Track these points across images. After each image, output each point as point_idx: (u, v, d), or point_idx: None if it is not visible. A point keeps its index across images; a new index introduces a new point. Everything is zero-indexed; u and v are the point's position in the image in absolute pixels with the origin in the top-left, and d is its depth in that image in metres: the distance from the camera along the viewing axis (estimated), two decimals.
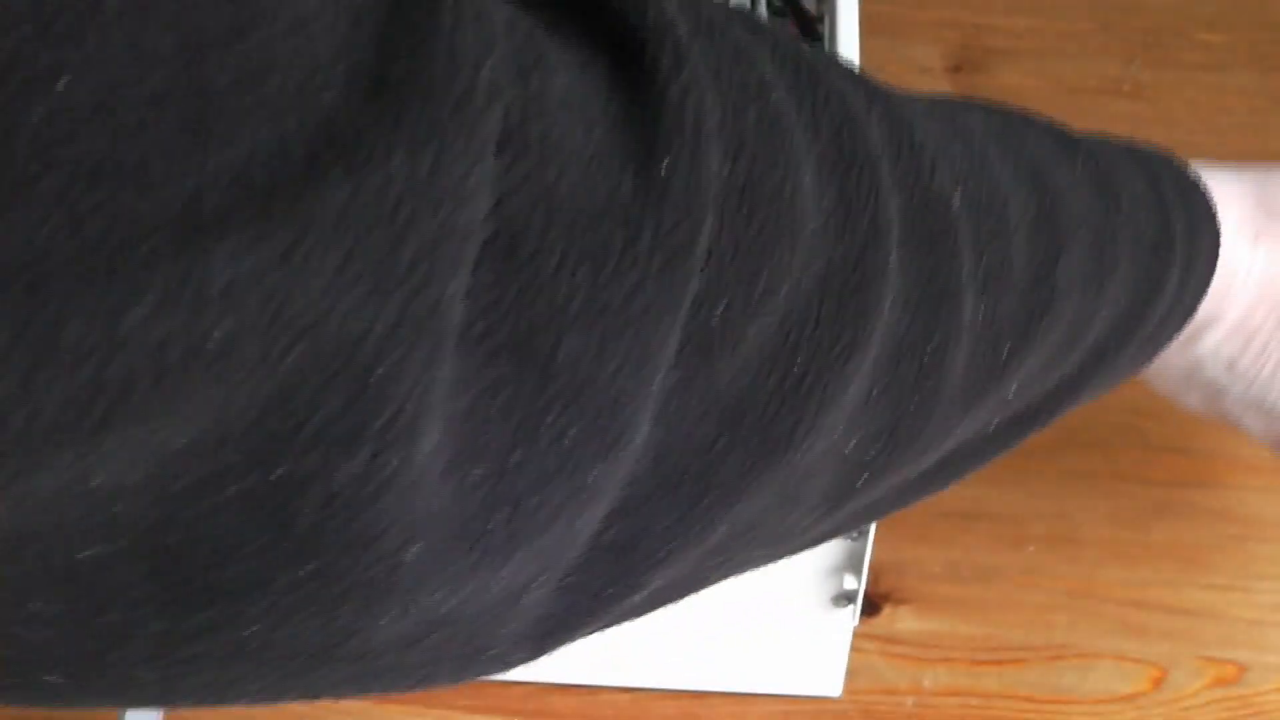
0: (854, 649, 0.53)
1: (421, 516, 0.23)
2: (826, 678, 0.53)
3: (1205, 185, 0.44)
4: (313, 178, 0.20)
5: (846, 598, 0.49)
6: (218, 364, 0.20)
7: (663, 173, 0.25)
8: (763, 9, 0.66)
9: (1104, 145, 0.42)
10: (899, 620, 0.57)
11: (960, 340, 0.32)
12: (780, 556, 0.34)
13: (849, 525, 0.36)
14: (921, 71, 0.75)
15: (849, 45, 0.55)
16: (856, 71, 0.34)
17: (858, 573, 0.47)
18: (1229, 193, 0.45)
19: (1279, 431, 0.48)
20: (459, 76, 0.22)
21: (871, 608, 0.56)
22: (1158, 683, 0.55)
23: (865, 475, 0.32)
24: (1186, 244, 0.42)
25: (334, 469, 0.22)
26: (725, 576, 0.32)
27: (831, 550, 0.46)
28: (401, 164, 0.21)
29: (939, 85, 0.75)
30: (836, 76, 0.31)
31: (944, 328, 0.32)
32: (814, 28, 0.58)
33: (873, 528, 0.45)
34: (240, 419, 0.21)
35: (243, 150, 0.19)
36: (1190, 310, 0.43)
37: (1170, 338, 0.43)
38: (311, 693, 0.27)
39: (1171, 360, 0.46)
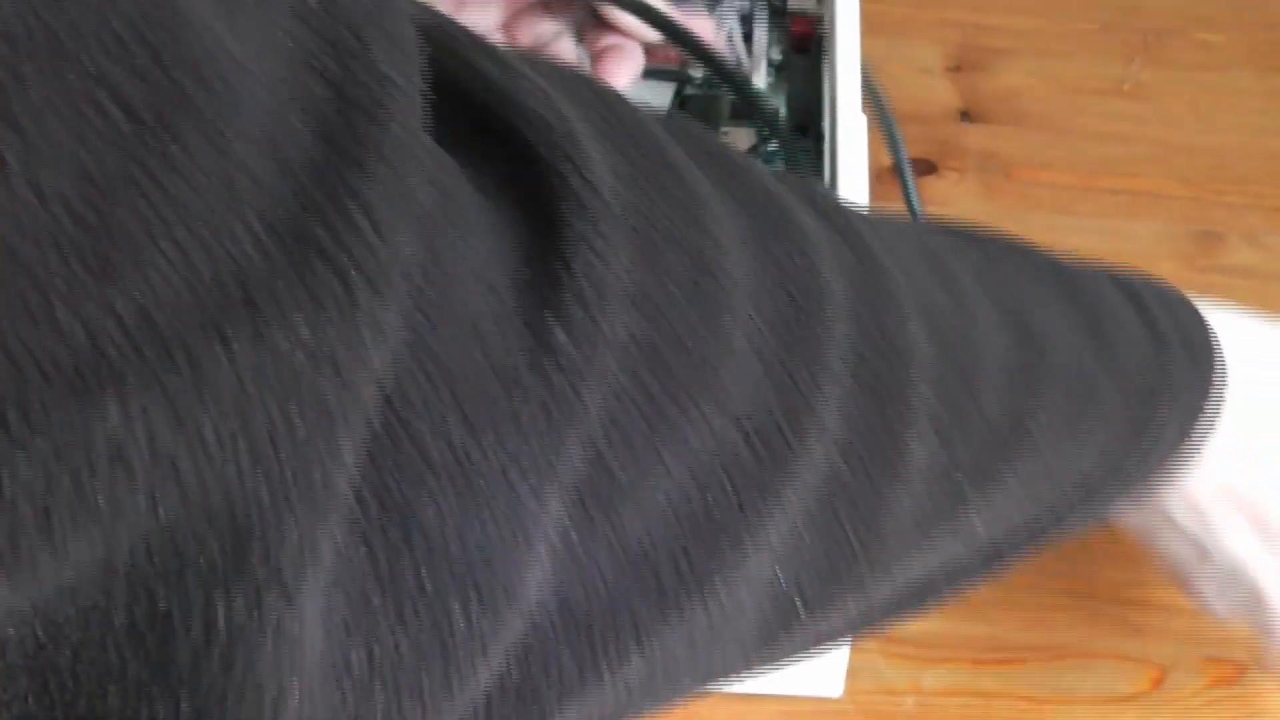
0: (854, 649, 0.53)
1: (303, 671, 0.23)
2: (827, 677, 0.53)
3: (1205, 323, 0.44)
4: (217, 335, 0.20)
5: None
6: (104, 516, 0.20)
7: (557, 339, 0.25)
8: (763, 9, 0.66)
9: (1098, 280, 0.41)
10: None
11: (907, 483, 0.31)
12: (721, 684, 0.34)
13: (804, 649, 0.35)
14: (921, 71, 0.75)
15: (849, 45, 0.55)
16: (832, 197, 0.33)
17: None
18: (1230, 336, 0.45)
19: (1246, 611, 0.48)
20: (376, 247, 0.21)
21: None
22: (1158, 683, 0.55)
23: (804, 611, 0.31)
24: (1184, 387, 0.41)
25: (214, 611, 0.22)
26: (655, 708, 0.31)
27: None
28: (305, 332, 0.21)
29: (939, 85, 0.75)
30: (796, 203, 0.31)
31: (886, 473, 0.31)
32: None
33: None
34: (126, 559, 0.21)
35: (149, 296, 0.19)
36: (1195, 445, 0.43)
37: (1169, 472, 0.43)
38: None
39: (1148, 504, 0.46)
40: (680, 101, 0.65)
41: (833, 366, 0.29)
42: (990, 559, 0.38)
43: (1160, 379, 0.40)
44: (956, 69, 0.76)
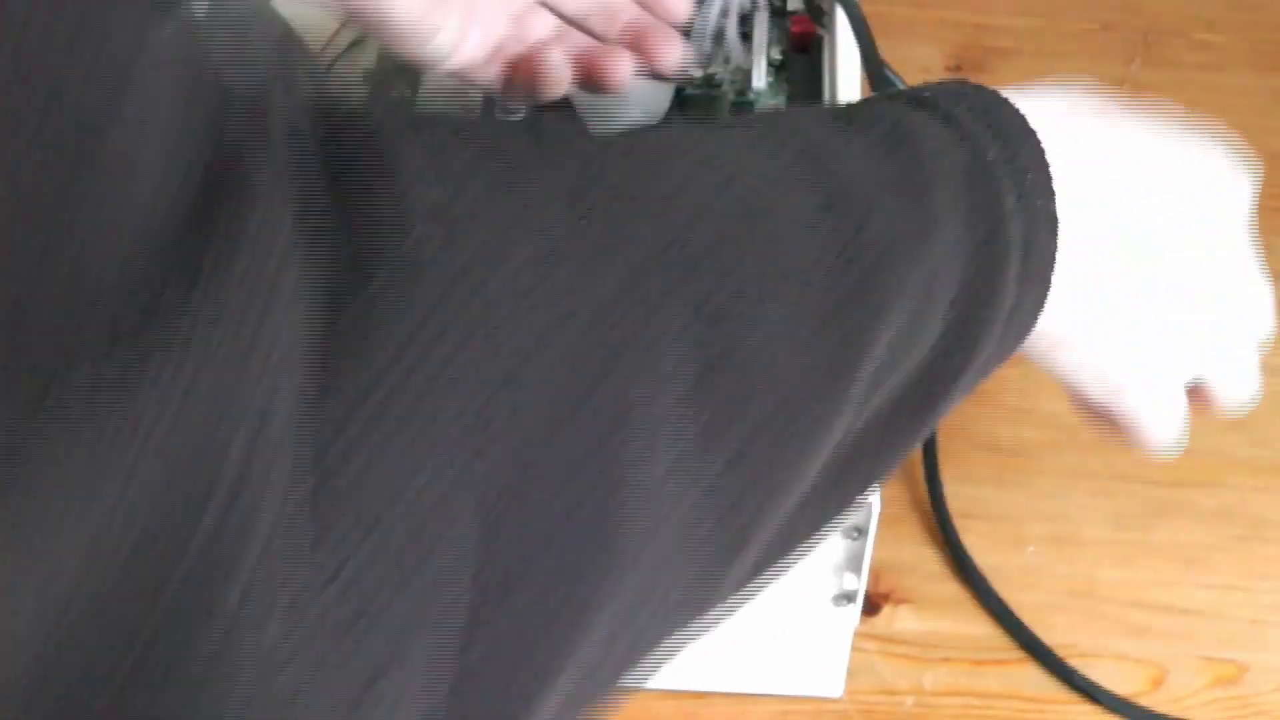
0: (854, 649, 0.53)
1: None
2: (826, 678, 0.53)
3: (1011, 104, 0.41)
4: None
5: (846, 598, 0.49)
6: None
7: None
8: (763, 9, 0.66)
9: (880, 103, 0.40)
10: (899, 620, 0.57)
11: (769, 349, 0.31)
12: (692, 623, 0.34)
13: (770, 562, 0.36)
14: (922, 71, 0.75)
15: (849, 45, 0.55)
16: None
17: (858, 573, 0.47)
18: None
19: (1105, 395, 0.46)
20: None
21: (871, 608, 0.56)
22: (1158, 683, 0.55)
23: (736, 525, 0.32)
24: (1007, 162, 0.39)
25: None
26: (633, 663, 0.32)
27: (831, 550, 0.46)
28: None
29: None
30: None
31: (739, 341, 0.31)
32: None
33: (873, 528, 0.45)
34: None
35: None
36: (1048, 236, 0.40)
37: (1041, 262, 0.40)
38: None
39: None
40: (680, 101, 0.65)
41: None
42: (905, 407, 0.37)
43: (979, 162, 0.38)
44: (956, 69, 0.76)
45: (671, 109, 0.64)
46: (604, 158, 0.33)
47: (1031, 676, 0.55)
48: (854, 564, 0.47)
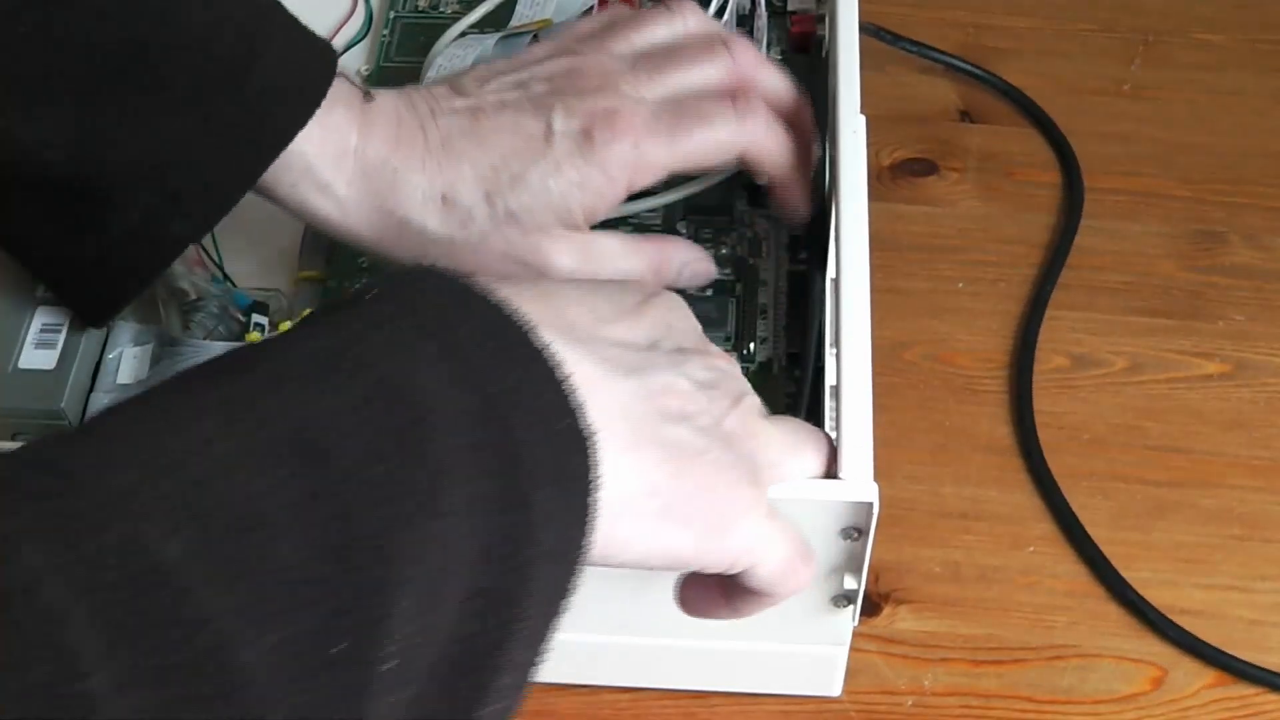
0: (854, 649, 0.53)
1: None
2: (826, 678, 0.53)
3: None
4: None
5: (846, 598, 0.48)
6: None
7: None
8: (762, 9, 0.66)
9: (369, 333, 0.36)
10: (899, 620, 0.57)
11: (246, 693, 0.28)
12: None
13: None
14: (921, 71, 0.75)
15: (849, 45, 0.55)
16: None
17: (858, 573, 0.47)
18: None
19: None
20: None
21: (871, 608, 0.56)
22: (1158, 683, 0.55)
23: None
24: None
25: None
26: None
27: (831, 550, 0.46)
28: None
29: (939, 85, 0.75)
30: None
31: (213, 708, 0.27)
32: None
33: (873, 528, 0.45)
34: None
35: None
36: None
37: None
38: None
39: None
40: None
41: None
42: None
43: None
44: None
45: None
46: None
47: (1032, 676, 0.55)
48: (854, 564, 0.47)
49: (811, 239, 0.57)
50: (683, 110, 0.53)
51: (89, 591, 0.26)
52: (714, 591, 0.45)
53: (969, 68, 0.74)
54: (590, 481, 0.37)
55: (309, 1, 0.73)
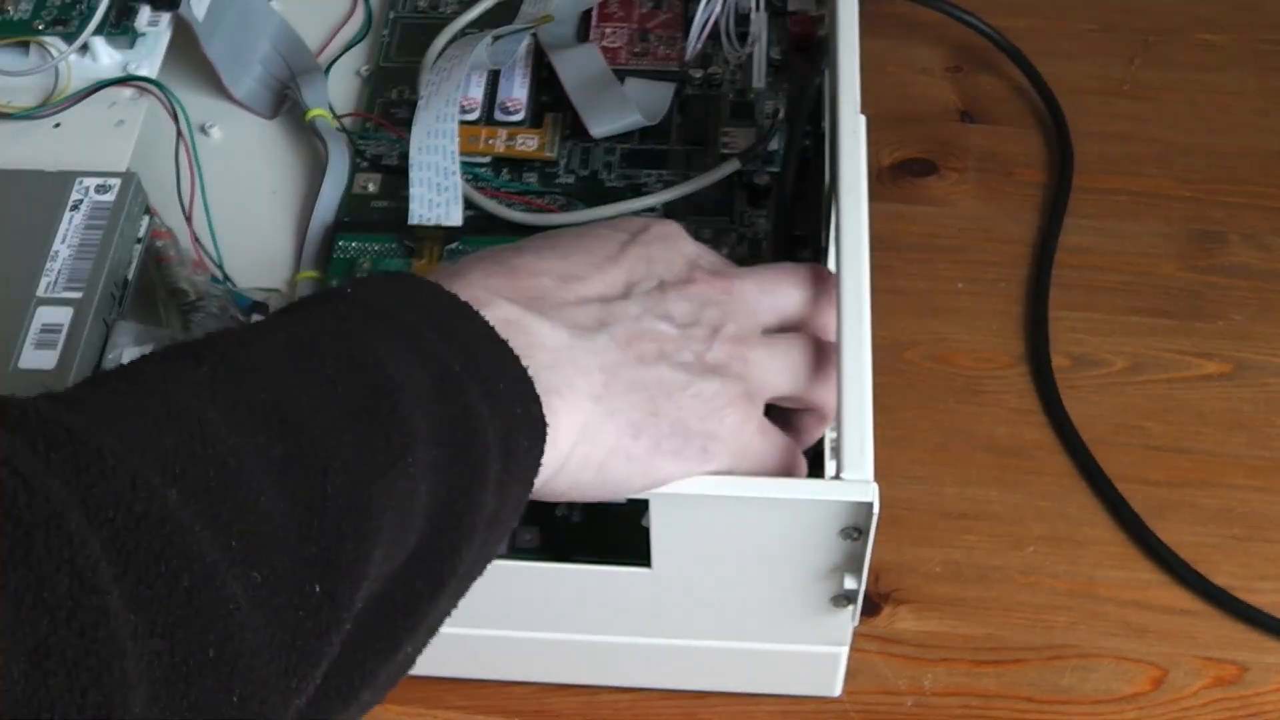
0: (854, 649, 0.53)
1: None
2: (826, 678, 0.53)
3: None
4: None
5: (846, 598, 0.48)
6: None
7: None
8: (762, 9, 0.66)
9: (339, 324, 0.39)
10: (899, 620, 0.57)
11: (232, 620, 0.31)
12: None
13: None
14: (921, 71, 0.75)
15: (849, 45, 0.55)
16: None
17: (858, 573, 0.47)
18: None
19: None
20: None
21: (871, 608, 0.57)
22: (1158, 683, 0.55)
23: None
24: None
25: None
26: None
27: (831, 550, 0.46)
28: None
29: (939, 85, 0.75)
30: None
31: (204, 628, 0.31)
32: None
33: (873, 528, 0.45)
34: None
35: None
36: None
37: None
38: None
39: None
40: (680, 102, 0.65)
41: (95, 583, 0.29)
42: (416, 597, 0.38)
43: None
44: (956, 69, 0.76)
45: (671, 109, 0.64)
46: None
47: (1031, 676, 0.55)
48: (854, 564, 0.47)
49: (811, 238, 0.57)
50: None
51: (105, 523, 0.29)
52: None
53: (966, 17, 0.74)
54: (542, 440, 0.40)
55: (309, 2, 0.73)
